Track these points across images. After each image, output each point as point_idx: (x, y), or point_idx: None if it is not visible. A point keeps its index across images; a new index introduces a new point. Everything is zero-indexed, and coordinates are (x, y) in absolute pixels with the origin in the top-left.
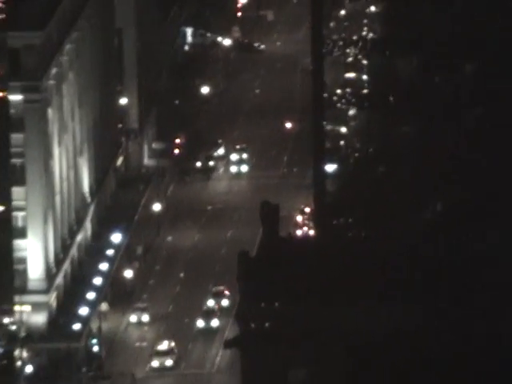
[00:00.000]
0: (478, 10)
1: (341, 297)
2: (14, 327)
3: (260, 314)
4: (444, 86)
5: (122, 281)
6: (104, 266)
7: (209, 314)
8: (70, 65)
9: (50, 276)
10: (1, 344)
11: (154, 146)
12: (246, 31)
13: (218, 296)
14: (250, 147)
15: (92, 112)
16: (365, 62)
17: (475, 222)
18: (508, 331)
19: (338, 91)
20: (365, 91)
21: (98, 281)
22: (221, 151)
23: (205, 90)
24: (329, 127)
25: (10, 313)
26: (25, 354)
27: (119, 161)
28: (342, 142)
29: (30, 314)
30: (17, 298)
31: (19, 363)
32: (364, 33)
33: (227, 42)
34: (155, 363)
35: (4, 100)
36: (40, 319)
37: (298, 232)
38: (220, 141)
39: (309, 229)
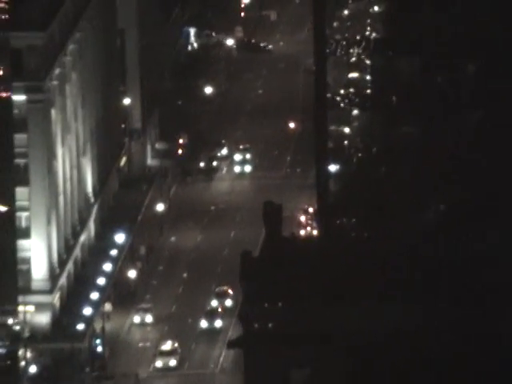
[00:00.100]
0: (480, 10)
1: (343, 297)
2: (17, 327)
3: (263, 315)
4: (445, 86)
5: (126, 281)
6: (107, 267)
7: (212, 315)
8: (72, 65)
9: (53, 276)
10: (4, 344)
11: (157, 146)
12: (249, 31)
13: (222, 296)
14: (253, 147)
15: (95, 112)
16: (368, 62)
17: (475, 222)
18: (508, 331)
19: (341, 91)
20: (368, 91)
21: (101, 281)
22: (224, 151)
23: (208, 90)
24: (332, 127)
25: (14, 313)
26: (28, 354)
27: (122, 161)
28: (345, 142)
29: (33, 314)
30: (20, 299)
31: (23, 363)
32: (367, 33)
33: (230, 42)
34: (159, 363)
35: (7, 100)
36: (43, 319)
37: (301, 232)
38: (223, 141)
39: (312, 229)
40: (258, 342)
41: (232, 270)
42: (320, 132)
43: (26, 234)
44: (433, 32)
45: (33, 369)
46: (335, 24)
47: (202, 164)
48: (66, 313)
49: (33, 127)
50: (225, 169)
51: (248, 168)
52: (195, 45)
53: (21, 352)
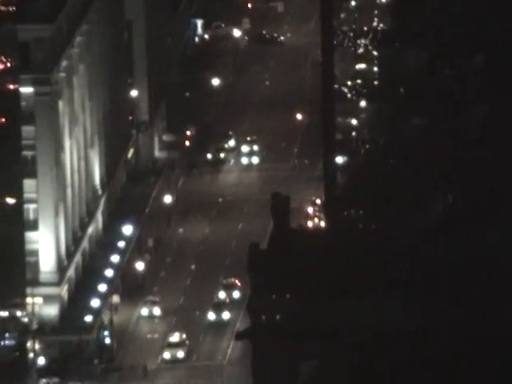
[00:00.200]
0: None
1: (349, 291)
2: (25, 319)
3: (271, 306)
4: (452, 80)
5: (133, 273)
6: (115, 259)
7: (220, 307)
8: (80, 57)
9: (61, 268)
10: (13, 336)
11: (164, 138)
12: (256, 23)
13: (229, 288)
14: (260, 139)
15: (102, 104)
16: (375, 53)
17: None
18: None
19: (349, 83)
20: (375, 83)
21: (109, 273)
22: (231, 143)
23: (215, 82)
24: (339, 119)
25: (22, 305)
26: (36, 346)
27: (130, 153)
28: (352, 134)
29: (41, 306)
30: (28, 291)
31: (31, 355)
32: (374, 24)
33: (237, 33)
34: (167, 355)
35: (15, 93)
36: (52, 311)
37: (309, 224)
38: (230, 133)
39: (319, 220)
40: (266, 334)
41: (240, 261)
42: (327, 124)
43: (33, 226)
44: (439, 24)
45: (41, 361)
46: (342, 15)
47: (209, 156)
48: (74, 305)
49: (40, 119)
50: (232, 161)
51: (255, 160)
52: (206, 36)
53: (29, 344)
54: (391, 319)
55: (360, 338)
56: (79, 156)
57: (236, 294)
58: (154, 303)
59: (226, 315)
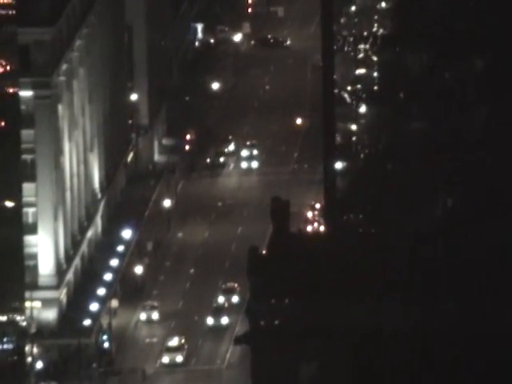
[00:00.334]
0: (489, 5)
1: (349, 294)
2: (24, 323)
3: (270, 311)
4: (452, 83)
5: (133, 277)
6: (114, 262)
7: (218, 312)
8: (80, 61)
9: (60, 272)
10: (11, 340)
11: (164, 142)
12: (257, 27)
13: (228, 293)
14: (260, 143)
15: (102, 108)
16: (375, 58)
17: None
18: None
19: (349, 88)
20: (375, 88)
21: (108, 277)
22: (231, 147)
23: (215, 86)
24: (339, 124)
25: (21, 309)
26: (35, 350)
27: (129, 157)
28: (352, 139)
29: (40, 309)
30: (27, 294)
31: (30, 359)
32: (374, 29)
33: (237, 37)
34: (165, 359)
35: (14, 96)
36: (50, 315)
37: (309, 228)
38: (230, 137)
39: (319, 225)
40: (265, 338)
41: (239, 265)
42: (328, 128)
43: (32, 229)
44: (441, 22)
45: (40, 364)
46: (342, 20)
47: (208, 160)
48: (73, 308)
49: (40, 123)
50: (232, 165)
51: (255, 164)
52: (212, 41)
53: (28, 348)
54: (390, 321)
55: (359, 340)
56: (79, 159)
57: (235, 299)
58: (152, 308)
59: (224, 320)
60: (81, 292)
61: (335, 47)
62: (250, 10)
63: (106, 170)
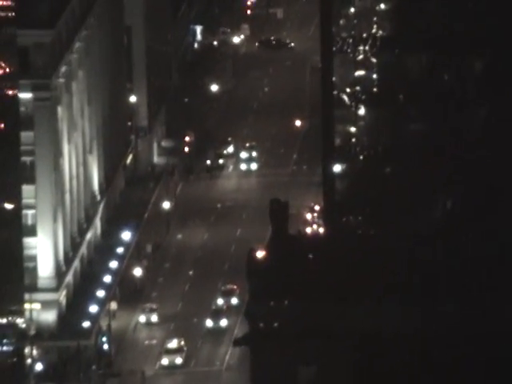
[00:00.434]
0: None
1: (348, 296)
2: (23, 325)
3: (269, 313)
4: (452, 83)
5: (132, 279)
6: (113, 264)
7: (218, 314)
8: (79, 63)
9: (59, 274)
10: (11, 342)
11: (163, 143)
12: (256, 29)
13: (228, 295)
14: (259, 145)
15: (101, 110)
16: (374, 60)
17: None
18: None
19: (348, 89)
20: (374, 89)
21: (107, 279)
22: (230, 149)
23: (214, 88)
24: (338, 126)
25: (20, 311)
26: (34, 352)
27: (129, 159)
28: (352, 140)
29: (39, 311)
30: (27, 296)
31: (29, 361)
32: (374, 30)
33: (237, 39)
34: (165, 361)
35: (14, 98)
36: (50, 317)
37: (308, 230)
38: (229, 139)
39: (318, 226)
40: (264, 340)
41: (238, 267)
42: (327, 130)
43: (32, 231)
44: (441, 21)
45: (39, 366)
46: (342, 22)
47: (207, 162)
48: (72, 310)
49: (39, 125)
50: (231, 166)
51: (254, 166)
52: (215, 42)
53: (27, 350)
54: (389, 322)
55: (359, 342)
56: (78, 161)
57: (234, 301)
58: (152, 310)
59: (224, 322)
60: (80, 294)
61: (334, 49)
62: (249, 11)
63: (106, 171)
